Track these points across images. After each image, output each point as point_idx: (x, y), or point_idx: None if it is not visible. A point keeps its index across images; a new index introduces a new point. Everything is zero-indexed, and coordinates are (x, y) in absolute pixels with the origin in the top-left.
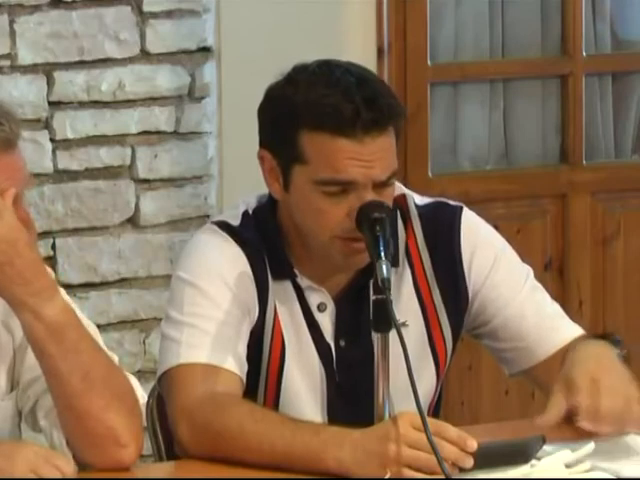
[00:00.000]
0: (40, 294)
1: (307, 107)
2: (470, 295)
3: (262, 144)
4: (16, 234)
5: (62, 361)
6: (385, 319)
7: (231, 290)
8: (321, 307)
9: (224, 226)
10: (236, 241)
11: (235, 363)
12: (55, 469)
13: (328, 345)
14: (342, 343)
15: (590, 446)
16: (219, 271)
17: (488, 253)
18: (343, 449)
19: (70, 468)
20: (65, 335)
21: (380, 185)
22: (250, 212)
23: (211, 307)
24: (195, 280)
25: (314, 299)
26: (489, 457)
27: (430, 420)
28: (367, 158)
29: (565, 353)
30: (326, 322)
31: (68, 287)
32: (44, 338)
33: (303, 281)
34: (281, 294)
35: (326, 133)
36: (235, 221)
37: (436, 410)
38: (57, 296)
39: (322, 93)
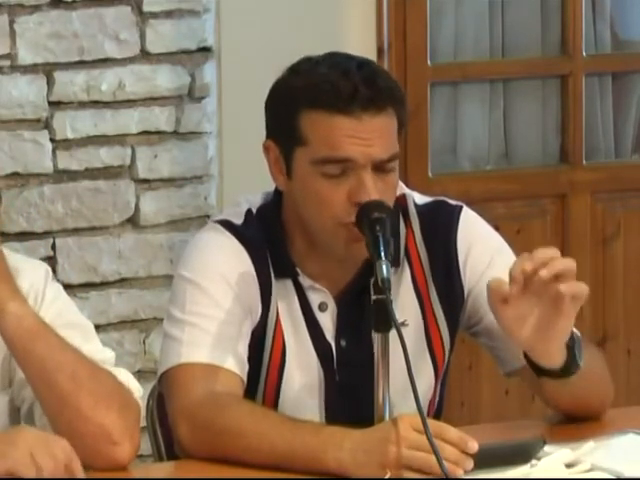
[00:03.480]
0: (19, 294)
1: (306, 88)
2: (465, 293)
3: (267, 135)
4: None
5: (49, 360)
6: (385, 319)
7: (233, 289)
8: (322, 307)
9: (227, 225)
10: (239, 240)
11: (236, 363)
12: (50, 458)
13: (329, 345)
14: (343, 343)
15: (590, 446)
16: (221, 270)
17: (484, 252)
18: (343, 449)
19: (65, 454)
20: (50, 334)
21: (380, 167)
22: (254, 210)
23: (213, 306)
24: (197, 279)
25: (315, 298)
26: (489, 458)
27: (431, 421)
28: (365, 136)
29: None
30: (327, 322)
31: (68, 287)
32: (32, 337)
33: (305, 280)
34: (282, 293)
35: (324, 111)
36: (238, 220)
37: (437, 412)
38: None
39: (321, 73)
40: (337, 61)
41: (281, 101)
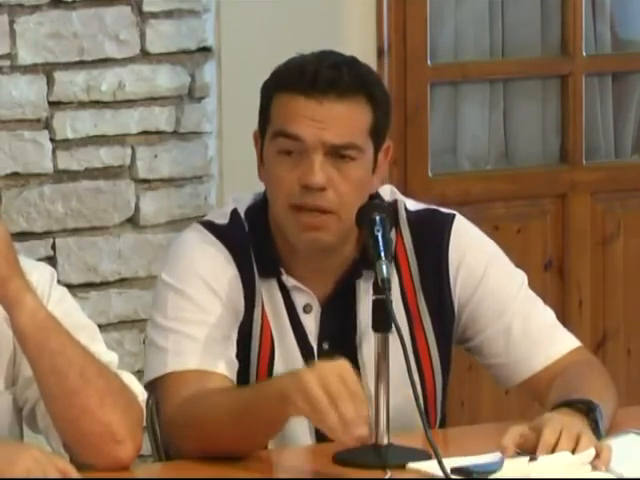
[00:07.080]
0: (32, 288)
1: (279, 72)
2: (456, 307)
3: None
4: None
5: (60, 355)
6: (385, 319)
7: (215, 292)
8: (306, 308)
9: (209, 226)
10: (221, 241)
11: (225, 365)
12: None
13: (311, 347)
14: (325, 346)
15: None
16: (202, 273)
17: (476, 266)
18: (284, 380)
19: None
20: (62, 330)
21: (334, 153)
22: (241, 210)
23: (195, 311)
24: (178, 284)
25: (300, 300)
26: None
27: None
28: (320, 119)
29: (556, 367)
30: (311, 324)
31: (68, 287)
32: (45, 331)
33: (289, 281)
34: (268, 293)
35: (290, 92)
36: (223, 220)
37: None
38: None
39: (297, 62)
40: (322, 53)
41: (262, 89)
